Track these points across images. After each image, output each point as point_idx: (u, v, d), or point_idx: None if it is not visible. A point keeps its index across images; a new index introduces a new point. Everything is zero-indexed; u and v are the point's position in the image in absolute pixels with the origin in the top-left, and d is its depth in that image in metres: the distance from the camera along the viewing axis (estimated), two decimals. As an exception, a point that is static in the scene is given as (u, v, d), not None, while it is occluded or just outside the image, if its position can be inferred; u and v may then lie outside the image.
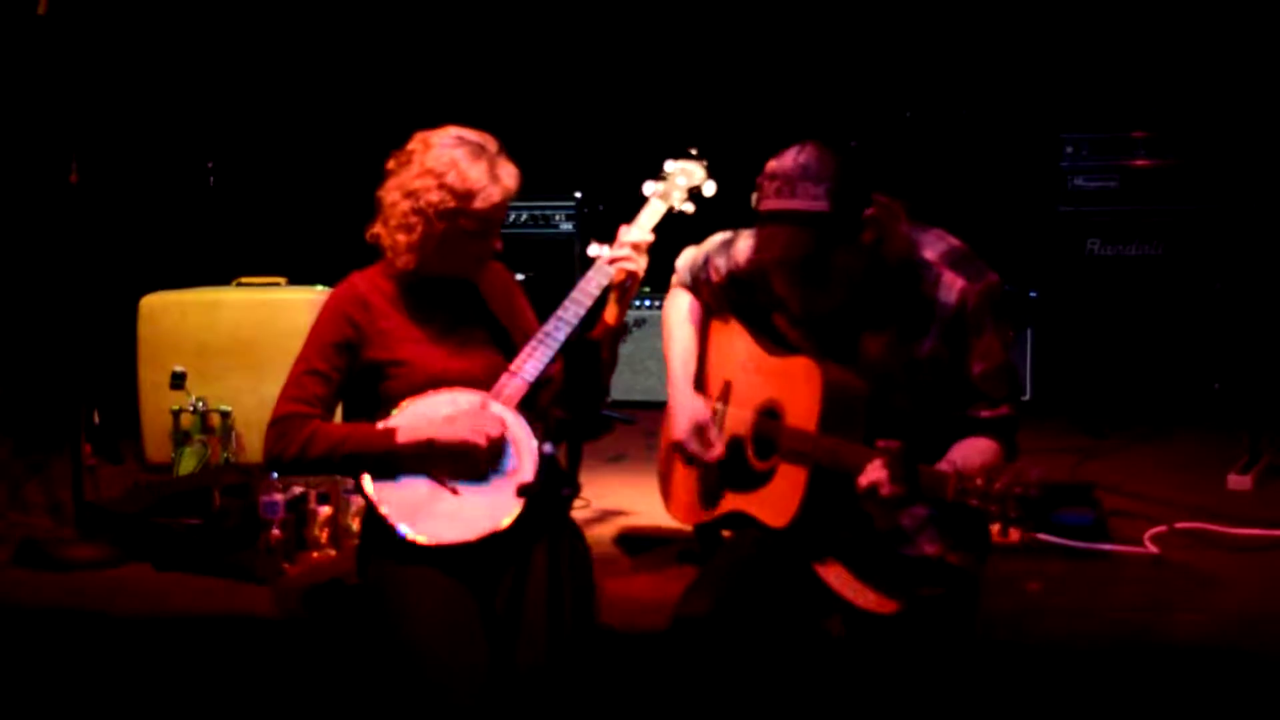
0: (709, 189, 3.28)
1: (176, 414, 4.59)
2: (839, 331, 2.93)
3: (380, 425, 2.95)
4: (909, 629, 2.82)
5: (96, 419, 4.73)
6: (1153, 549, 3.66)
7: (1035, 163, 6.00)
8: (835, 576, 2.92)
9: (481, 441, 2.87)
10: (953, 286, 2.81)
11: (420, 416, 2.94)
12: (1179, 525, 3.83)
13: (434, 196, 2.96)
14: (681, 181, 3.28)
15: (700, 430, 3.12)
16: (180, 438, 4.59)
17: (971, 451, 2.78)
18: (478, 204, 2.98)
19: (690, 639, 2.78)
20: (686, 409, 3.15)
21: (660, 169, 3.31)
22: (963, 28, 6.21)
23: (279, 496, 3.55)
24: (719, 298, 3.24)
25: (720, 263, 3.19)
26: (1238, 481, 4.42)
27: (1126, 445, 5.16)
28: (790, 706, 2.94)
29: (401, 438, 2.91)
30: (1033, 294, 5.81)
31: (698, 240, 3.33)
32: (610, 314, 3.10)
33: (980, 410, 2.85)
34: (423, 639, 2.69)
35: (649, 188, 3.27)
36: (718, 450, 3.11)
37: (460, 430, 2.89)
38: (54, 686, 3.36)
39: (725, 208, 3.41)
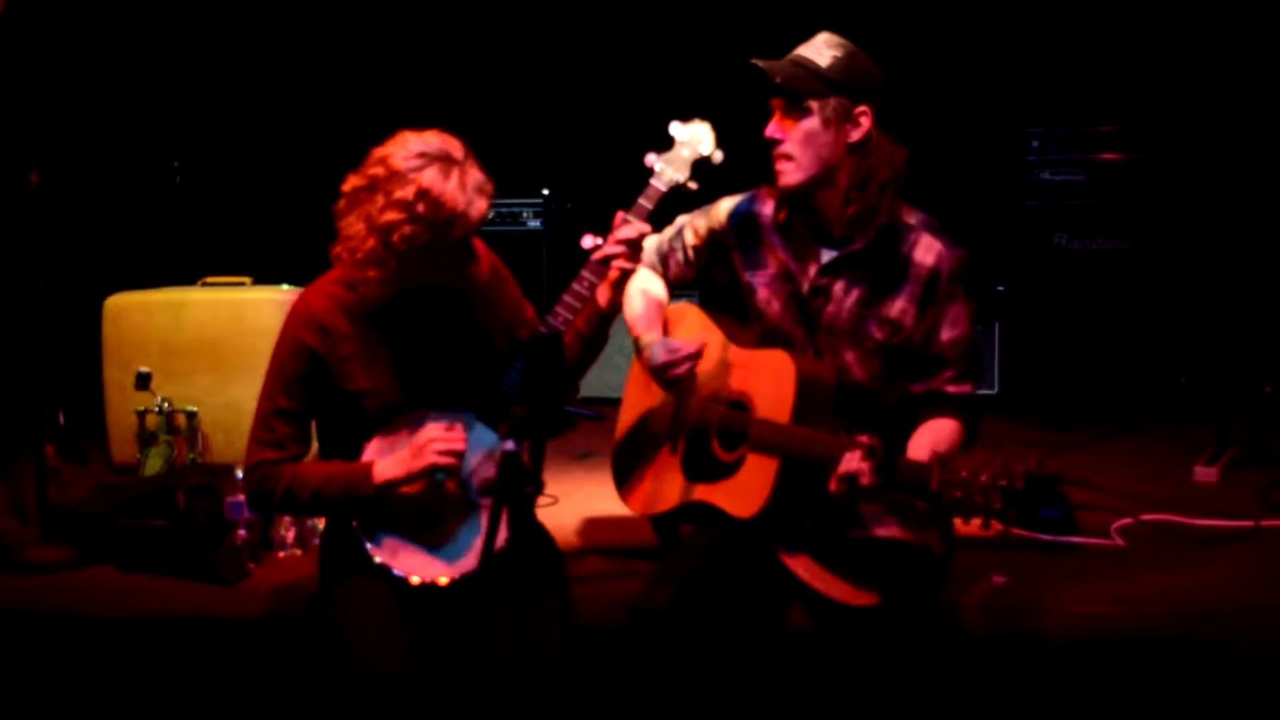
0: (717, 158, 2.96)
1: (142, 415, 4.55)
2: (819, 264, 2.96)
3: (361, 462, 2.79)
4: (879, 620, 2.81)
5: (61, 420, 4.69)
6: (1120, 541, 3.67)
7: (1002, 157, 6.02)
8: (804, 568, 2.92)
9: (450, 461, 2.73)
10: (931, 249, 2.90)
11: (393, 445, 2.80)
12: (1146, 517, 3.86)
13: (407, 230, 2.67)
14: (686, 154, 2.94)
15: (672, 350, 3.05)
16: (146, 439, 4.55)
17: (939, 438, 2.79)
18: (457, 230, 2.71)
19: (649, 633, 2.77)
20: (658, 346, 3.08)
21: (667, 138, 2.97)
22: (929, 21, 6.21)
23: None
24: (692, 263, 3.23)
25: (700, 223, 3.20)
26: (1204, 473, 4.45)
27: (1093, 438, 5.18)
28: (754, 700, 2.94)
29: (379, 476, 2.75)
30: (1000, 288, 5.84)
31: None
32: (602, 296, 2.90)
33: (946, 384, 2.89)
34: (353, 652, 2.69)
35: (652, 159, 2.94)
36: (690, 348, 3.03)
37: (426, 456, 2.73)
38: (17, 689, 3.34)
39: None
